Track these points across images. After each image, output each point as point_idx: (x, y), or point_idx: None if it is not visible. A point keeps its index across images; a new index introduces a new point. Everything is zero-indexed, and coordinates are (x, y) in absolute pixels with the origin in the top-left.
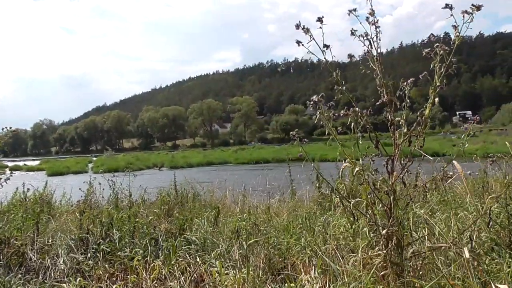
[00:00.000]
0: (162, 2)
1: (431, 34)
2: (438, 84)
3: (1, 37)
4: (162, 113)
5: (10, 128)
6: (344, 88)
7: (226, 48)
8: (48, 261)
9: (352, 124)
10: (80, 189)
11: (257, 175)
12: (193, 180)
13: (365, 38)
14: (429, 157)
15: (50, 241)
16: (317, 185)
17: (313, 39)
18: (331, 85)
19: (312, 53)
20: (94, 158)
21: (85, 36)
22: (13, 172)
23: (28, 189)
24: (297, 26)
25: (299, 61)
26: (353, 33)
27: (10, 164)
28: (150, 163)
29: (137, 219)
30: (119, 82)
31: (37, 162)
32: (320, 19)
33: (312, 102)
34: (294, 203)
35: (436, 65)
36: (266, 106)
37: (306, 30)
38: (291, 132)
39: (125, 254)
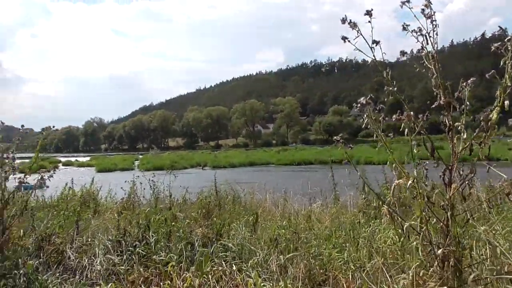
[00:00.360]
0: (206, 3)
1: (499, 27)
2: (509, 84)
3: (56, 38)
4: (206, 113)
5: (53, 126)
6: (395, 88)
7: (269, 48)
8: (86, 261)
9: (406, 130)
10: (122, 188)
11: (299, 177)
12: (234, 181)
13: (418, 33)
14: (502, 175)
15: (89, 240)
16: (363, 195)
17: (361, 34)
18: (376, 85)
19: (360, 50)
20: (140, 156)
21: (133, 38)
22: (66, 167)
23: (69, 187)
24: (343, 21)
25: (344, 61)
26: (405, 28)
27: (63, 159)
28: (194, 162)
29: (173, 223)
30: (165, 82)
31: (87, 159)
32: (369, 13)
33: (359, 105)
34: (337, 209)
35: (507, 62)
36: (309, 107)
37: (353, 25)
38: (334, 137)
39: (160, 258)
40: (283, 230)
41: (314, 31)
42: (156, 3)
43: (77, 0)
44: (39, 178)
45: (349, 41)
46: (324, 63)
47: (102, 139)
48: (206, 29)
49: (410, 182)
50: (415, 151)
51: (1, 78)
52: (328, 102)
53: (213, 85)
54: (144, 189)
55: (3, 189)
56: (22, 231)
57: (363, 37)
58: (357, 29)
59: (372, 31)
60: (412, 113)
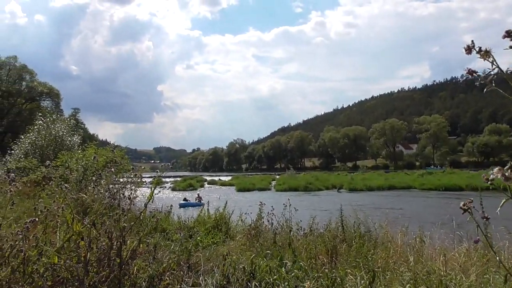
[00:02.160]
0: (344, 22)
1: None
2: None
3: (207, 68)
4: (343, 133)
5: (169, 164)
6: None
7: (413, 63)
8: None
9: None
10: (249, 214)
11: (445, 205)
12: (368, 206)
13: None
14: None
15: (200, 279)
16: None
17: (497, 66)
18: None
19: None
20: (277, 176)
21: (273, 62)
22: (210, 185)
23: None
24: (468, 49)
25: (505, 72)
26: None
27: (208, 178)
28: (329, 183)
29: (276, 276)
30: (302, 103)
31: (229, 178)
32: (510, 34)
33: (493, 175)
34: (488, 258)
35: None
36: (459, 126)
37: (485, 54)
38: None
39: None
40: None
41: (467, 42)
42: (295, 28)
43: (225, 32)
44: (197, 197)
45: (478, 75)
46: (478, 77)
47: (243, 159)
48: (345, 48)
49: None
50: None
51: (162, 106)
52: (483, 120)
53: (351, 104)
54: (273, 212)
55: (121, 227)
56: (136, 268)
57: (501, 69)
58: (491, 59)
59: None
60: None
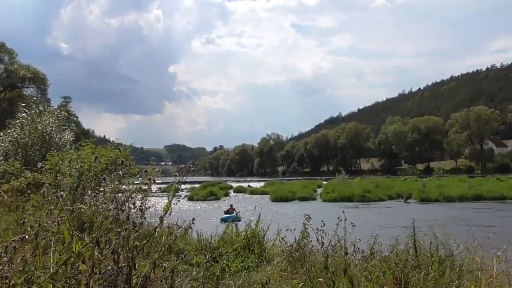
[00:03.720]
0: None
1: None
2: None
3: (232, 42)
4: (411, 125)
5: (190, 166)
6: None
7: (508, 32)
8: None
9: None
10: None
11: None
12: (451, 222)
13: None
14: None
15: None
16: None
17: None
18: None
19: None
20: (324, 182)
21: (318, 33)
22: (237, 194)
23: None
24: None
25: None
26: None
27: (234, 184)
28: (393, 192)
29: None
30: (357, 86)
31: (261, 184)
32: None
33: None
34: None
35: None
36: None
37: None
38: None
39: None
40: None
41: None
42: None
43: None
44: (230, 207)
45: None
46: None
47: (279, 159)
48: (414, 14)
49: None
50: None
51: (175, 92)
52: None
53: (422, 88)
54: (323, 230)
55: (131, 247)
56: None
57: None
58: None
59: None
60: None
